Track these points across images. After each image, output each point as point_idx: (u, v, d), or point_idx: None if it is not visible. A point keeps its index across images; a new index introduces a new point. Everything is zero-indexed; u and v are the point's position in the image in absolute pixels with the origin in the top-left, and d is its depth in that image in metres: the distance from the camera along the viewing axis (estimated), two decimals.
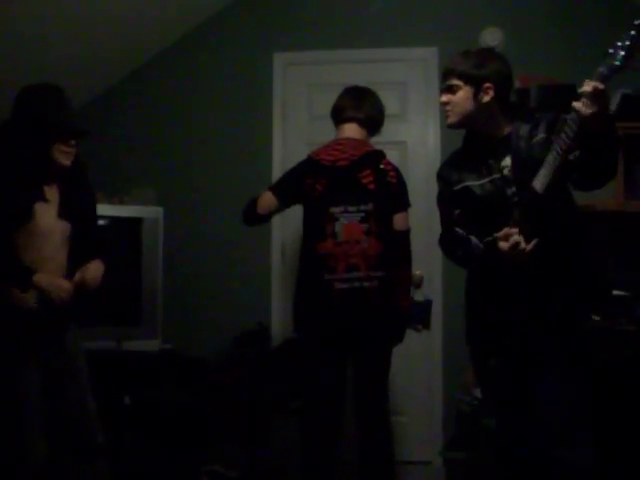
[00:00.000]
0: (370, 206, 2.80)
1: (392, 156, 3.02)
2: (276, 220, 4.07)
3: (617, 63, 1.93)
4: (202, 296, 4.06)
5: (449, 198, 2.46)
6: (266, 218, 3.01)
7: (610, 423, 2.94)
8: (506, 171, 2.28)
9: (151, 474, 3.25)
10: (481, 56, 2.34)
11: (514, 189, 2.24)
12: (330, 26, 4.13)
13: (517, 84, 3.77)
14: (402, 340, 2.92)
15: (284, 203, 2.94)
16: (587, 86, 1.95)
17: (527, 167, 2.19)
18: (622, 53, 1.92)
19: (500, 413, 2.45)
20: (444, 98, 2.34)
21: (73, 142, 2.39)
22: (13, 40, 3.20)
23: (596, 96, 1.94)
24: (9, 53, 3.26)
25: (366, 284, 2.74)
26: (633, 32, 1.93)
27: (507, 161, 2.28)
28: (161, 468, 3.30)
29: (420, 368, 3.93)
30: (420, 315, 3.86)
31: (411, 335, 3.93)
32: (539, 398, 2.25)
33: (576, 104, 1.97)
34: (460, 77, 2.30)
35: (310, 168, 2.86)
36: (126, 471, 3.00)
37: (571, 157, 2.12)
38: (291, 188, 2.91)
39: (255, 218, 2.97)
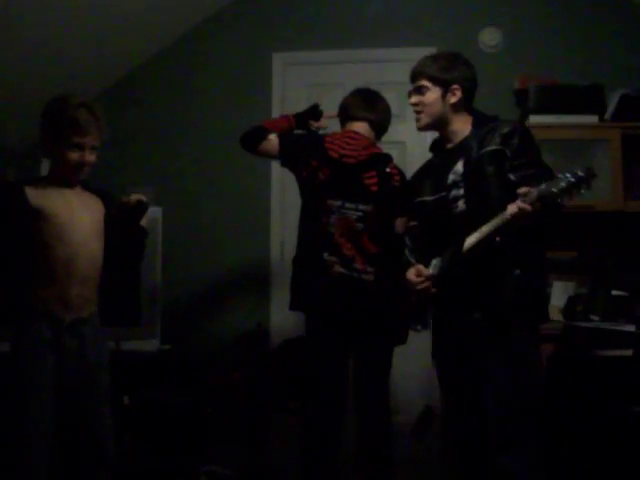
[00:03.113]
0: (370, 207, 2.79)
1: None
2: (275, 220, 4.08)
3: (554, 190, 2.01)
4: (201, 296, 4.05)
5: (411, 208, 2.58)
6: (260, 155, 2.98)
7: (610, 423, 2.94)
8: (453, 177, 2.34)
9: (150, 475, 3.25)
10: (448, 59, 2.41)
11: (461, 192, 2.32)
12: (329, 26, 4.13)
13: (516, 84, 3.78)
14: (405, 342, 2.91)
15: (283, 162, 2.95)
16: (512, 206, 2.07)
17: (474, 179, 2.28)
18: (563, 185, 2.01)
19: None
20: (413, 99, 2.41)
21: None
22: (13, 39, 3.20)
23: (520, 216, 2.06)
24: (9, 52, 3.26)
25: (364, 276, 2.75)
26: (581, 174, 2.01)
27: (458, 166, 2.34)
28: (160, 468, 3.29)
29: (419, 368, 3.92)
30: (419, 315, 3.85)
31: (410, 335, 3.92)
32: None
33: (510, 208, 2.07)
34: (429, 79, 2.37)
35: (319, 152, 2.84)
36: (125, 471, 2.99)
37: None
38: (296, 157, 2.89)
39: (253, 149, 2.92)
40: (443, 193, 2.37)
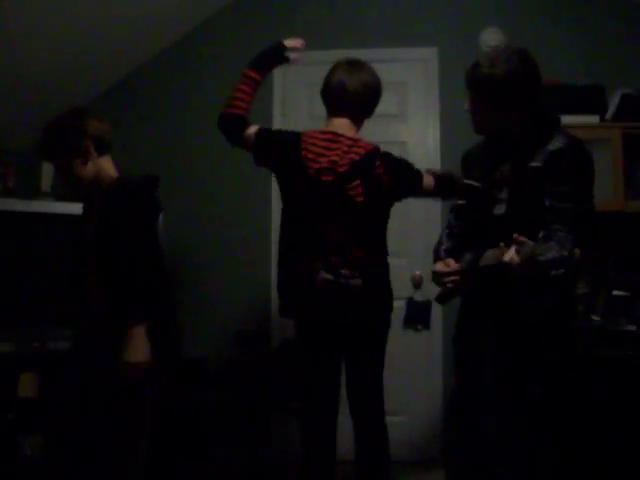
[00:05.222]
0: (356, 217, 2.59)
1: None
2: (275, 220, 4.07)
3: (540, 258, 1.95)
4: (202, 296, 4.05)
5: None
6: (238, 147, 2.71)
7: (610, 423, 2.94)
8: (500, 175, 2.29)
9: (149, 474, 3.24)
10: (503, 66, 2.23)
11: (502, 195, 2.27)
12: (330, 26, 4.13)
13: None
14: (391, 309, 2.74)
15: (256, 163, 2.73)
16: (506, 255, 1.97)
17: (518, 189, 2.21)
18: (549, 256, 1.96)
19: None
20: (466, 106, 2.34)
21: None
22: (13, 40, 3.20)
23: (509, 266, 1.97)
24: (9, 52, 3.25)
25: (352, 282, 2.57)
26: (565, 253, 1.97)
27: (507, 167, 2.28)
28: (160, 468, 3.29)
29: (420, 368, 3.93)
30: (420, 315, 3.86)
31: (411, 335, 3.94)
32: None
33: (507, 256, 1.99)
34: (480, 93, 2.27)
35: (296, 161, 2.60)
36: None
37: None
38: (270, 161, 2.68)
39: (233, 141, 2.68)
40: (486, 186, 2.33)
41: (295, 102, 4.12)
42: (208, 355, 3.70)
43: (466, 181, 2.43)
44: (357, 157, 2.58)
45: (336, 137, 2.63)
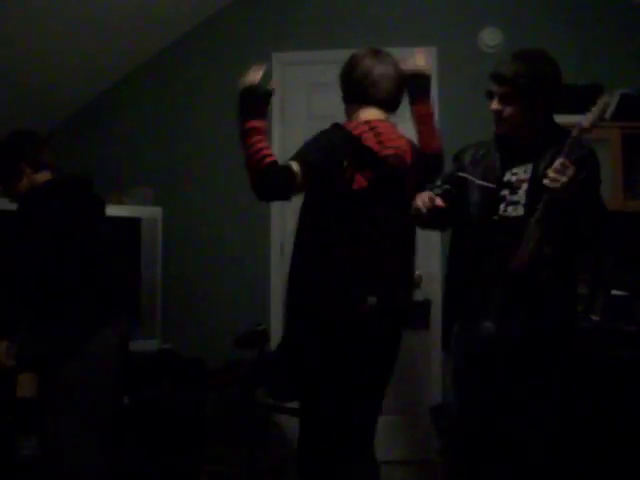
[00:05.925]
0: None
1: None
2: (275, 219, 4.08)
3: (595, 114, 2.07)
4: (201, 296, 4.06)
5: (449, 175, 2.49)
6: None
7: (610, 423, 2.94)
8: (514, 178, 2.29)
9: (150, 475, 3.25)
10: (534, 62, 2.25)
11: (516, 198, 2.27)
12: (329, 26, 4.13)
13: None
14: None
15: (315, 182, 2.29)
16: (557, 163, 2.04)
17: (539, 195, 2.19)
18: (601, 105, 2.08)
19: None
20: (496, 106, 2.28)
21: None
22: (12, 40, 3.20)
23: (562, 170, 2.03)
24: (9, 52, 3.26)
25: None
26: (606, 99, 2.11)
27: (521, 170, 2.29)
28: (160, 468, 3.29)
29: (420, 368, 3.93)
30: (419, 315, 3.86)
31: (411, 335, 3.94)
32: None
33: (546, 180, 2.07)
34: (516, 88, 2.22)
35: (363, 153, 2.28)
36: (125, 471, 2.99)
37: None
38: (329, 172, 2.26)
39: (288, 196, 2.25)
40: (493, 185, 2.31)
41: (294, 102, 4.12)
42: (207, 355, 3.70)
43: (478, 181, 2.37)
44: (410, 143, 2.43)
45: (391, 126, 2.40)
